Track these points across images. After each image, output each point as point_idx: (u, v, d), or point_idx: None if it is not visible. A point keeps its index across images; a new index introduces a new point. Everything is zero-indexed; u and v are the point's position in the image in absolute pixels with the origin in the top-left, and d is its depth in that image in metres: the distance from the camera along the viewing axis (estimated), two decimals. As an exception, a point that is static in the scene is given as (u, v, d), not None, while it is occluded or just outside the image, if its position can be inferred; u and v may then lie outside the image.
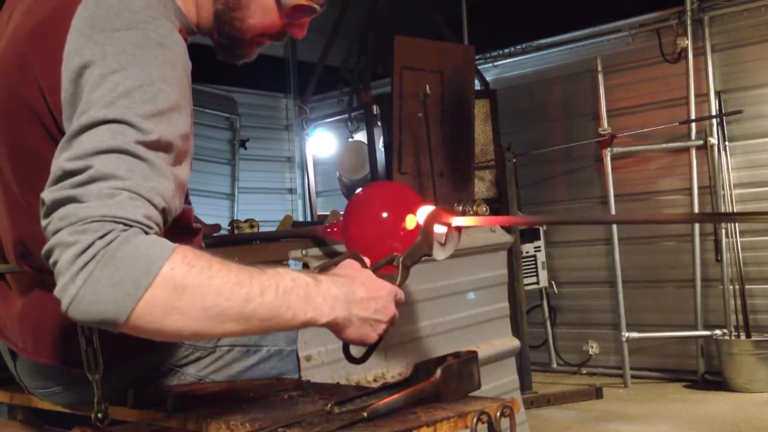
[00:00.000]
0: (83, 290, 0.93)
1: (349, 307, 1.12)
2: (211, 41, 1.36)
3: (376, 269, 1.25)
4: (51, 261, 0.96)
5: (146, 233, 0.97)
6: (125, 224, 0.95)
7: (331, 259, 1.25)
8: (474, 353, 1.29)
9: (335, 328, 1.12)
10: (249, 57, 1.39)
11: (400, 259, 1.29)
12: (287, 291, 1.04)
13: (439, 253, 1.36)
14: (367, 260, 1.25)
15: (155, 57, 1.07)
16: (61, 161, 0.99)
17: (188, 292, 0.95)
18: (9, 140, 1.23)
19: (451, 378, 1.22)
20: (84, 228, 0.94)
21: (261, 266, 1.06)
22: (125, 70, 1.04)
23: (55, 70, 1.10)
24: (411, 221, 1.40)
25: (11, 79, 1.20)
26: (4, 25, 1.30)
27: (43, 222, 0.98)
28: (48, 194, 0.98)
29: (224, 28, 1.31)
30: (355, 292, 1.14)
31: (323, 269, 1.19)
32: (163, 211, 1.01)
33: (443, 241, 1.36)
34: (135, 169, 0.98)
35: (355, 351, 1.26)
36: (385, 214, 1.43)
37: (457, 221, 1.37)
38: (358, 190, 1.60)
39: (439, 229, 1.35)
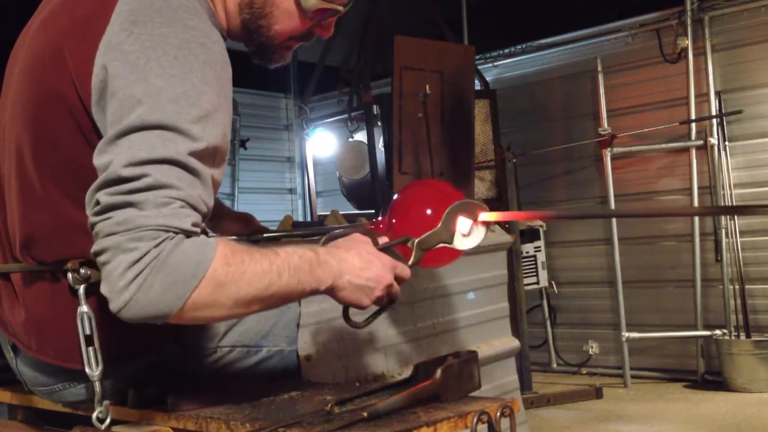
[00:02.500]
0: (138, 295, 1.03)
1: (341, 275, 1.23)
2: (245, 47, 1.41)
3: (388, 247, 1.34)
4: (101, 259, 1.05)
5: (189, 237, 1.07)
6: (175, 232, 1.05)
7: (342, 230, 1.38)
8: (474, 353, 1.30)
9: (331, 293, 1.25)
10: (283, 60, 1.44)
11: (415, 241, 1.36)
12: (297, 269, 1.17)
13: (460, 243, 1.40)
14: (383, 238, 1.37)
15: (196, 58, 1.12)
16: (116, 164, 1.05)
17: (226, 287, 1.08)
18: (34, 128, 1.25)
19: (451, 378, 1.22)
20: (141, 235, 1.03)
21: (273, 248, 1.18)
22: (168, 73, 1.09)
23: (90, 62, 1.14)
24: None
25: (45, 69, 1.23)
26: (37, 14, 1.34)
27: (94, 219, 1.06)
28: (105, 197, 1.05)
29: (253, 36, 1.36)
30: (348, 261, 1.25)
31: (329, 240, 1.30)
32: (204, 215, 1.12)
33: (467, 233, 1.40)
34: (185, 178, 1.07)
35: (357, 318, 1.35)
36: (429, 212, 1.47)
37: (483, 216, 1.40)
38: (405, 186, 1.64)
39: (465, 220, 1.39)
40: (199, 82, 1.11)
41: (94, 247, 1.06)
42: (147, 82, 1.08)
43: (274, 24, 1.34)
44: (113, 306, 1.04)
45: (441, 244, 1.38)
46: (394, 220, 1.54)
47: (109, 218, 1.04)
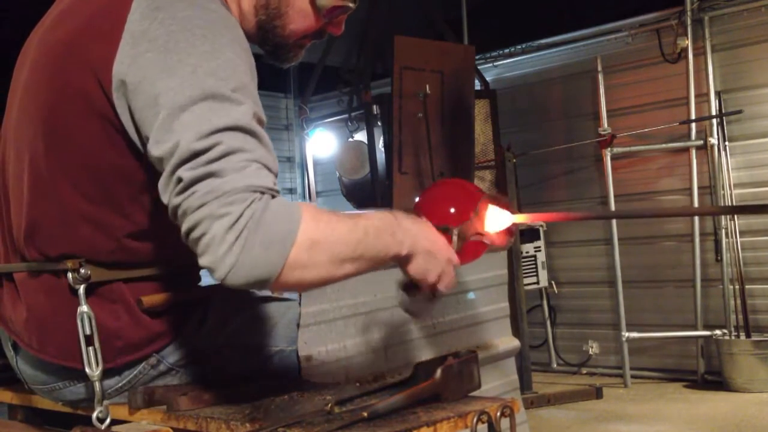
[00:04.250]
0: (242, 257, 1.03)
1: (417, 241, 1.23)
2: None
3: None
4: (195, 234, 1.04)
5: (274, 197, 1.08)
6: (262, 192, 1.06)
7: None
8: (474, 353, 1.30)
9: (407, 259, 1.23)
10: (296, 59, 1.46)
11: (455, 230, 1.36)
12: (380, 229, 1.18)
13: (492, 238, 1.42)
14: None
15: (222, 35, 1.14)
16: (187, 143, 1.06)
17: (320, 244, 1.09)
18: (48, 123, 1.26)
19: (451, 378, 1.22)
20: (231, 200, 1.03)
21: (351, 212, 1.19)
22: (199, 50, 1.11)
23: (112, 54, 1.15)
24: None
25: (61, 65, 1.24)
26: (49, 14, 1.36)
27: (179, 199, 1.06)
28: (186, 173, 1.05)
29: (268, 36, 1.38)
30: (422, 230, 1.26)
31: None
32: (276, 175, 1.12)
33: (497, 227, 1.42)
34: (250, 141, 1.09)
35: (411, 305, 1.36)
36: (453, 210, 1.49)
37: (514, 216, 1.43)
38: (431, 185, 1.66)
39: (497, 213, 1.42)
40: (232, 56, 1.13)
41: (186, 225, 1.05)
42: (181, 62, 1.10)
43: (289, 23, 1.36)
44: (219, 275, 1.04)
45: (475, 237, 1.39)
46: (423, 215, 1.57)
47: (194, 192, 1.04)
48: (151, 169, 1.18)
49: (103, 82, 1.18)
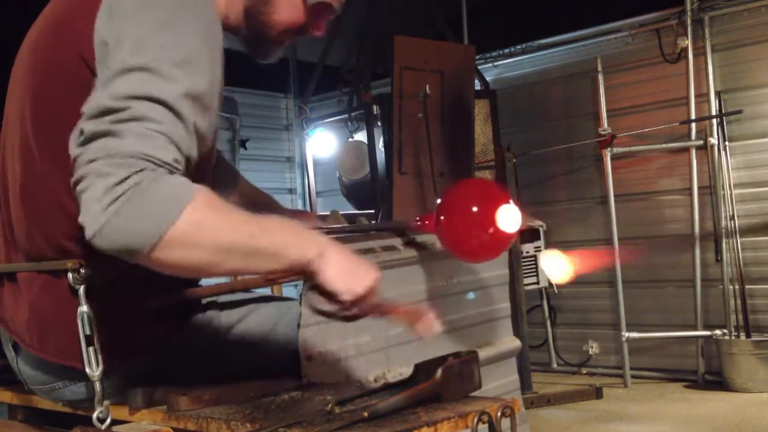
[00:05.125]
0: (114, 220, 1.02)
1: (329, 247, 1.18)
2: (237, 42, 1.43)
3: None
4: (80, 188, 1.04)
5: (172, 174, 1.06)
6: (156, 164, 1.04)
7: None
8: (474, 353, 1.29)
9: (318, 266, 1.17)
10: (273, 57, 1.46)
11: None
12: (280, 229, 1.15)
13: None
14: None
15: (187, 12, 1.15)
16: (101, 98, 1.08)
17: (205, 229, 1.06)
18: (36, 99, 1.28)
19: (452, 378, 1.22)
20: (120, 162, 1.03)
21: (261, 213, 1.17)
22: (157, 20, 1.12)
23: (92, 26, 1.17)
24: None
25: (48, 43, 1.27)
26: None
27: (77, 150, 1.06)
28: (89, 125, 1.06)
29: (252, 23, 1.37)
30: (340, 247, 1.21)
31: None
32: (186, 159, 1.11)
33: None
34: (167, 116, 1.08)
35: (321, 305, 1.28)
36: (475, 209, 1.57)
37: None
38: (454, 185, 1.73)
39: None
40: (190, 31, 1.14)
41: (75, 176, 1.05)
42: (137, 29, 1.12)
43: (275, 12, 1.36)
44: (88, 232, 1.03)
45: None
46: (442, 218, 1.62)
47: (89, 147, 1.05)
48: None
49: (86, 57, 1.19)
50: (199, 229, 1.05)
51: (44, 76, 1.27)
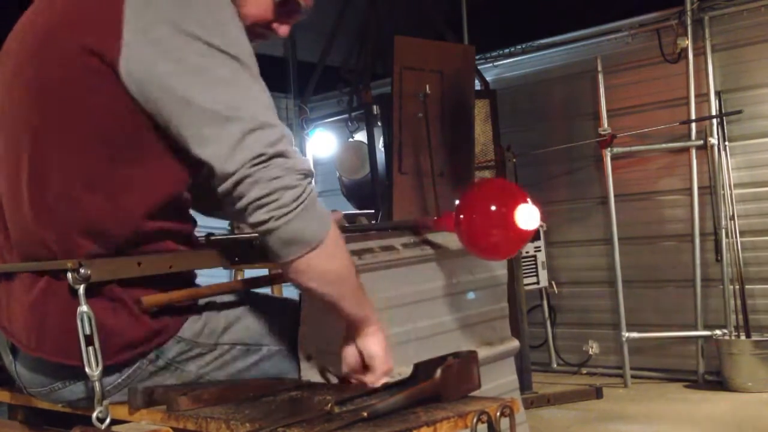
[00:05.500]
0: (300, 216, 1.22)
1: (380, 325, 1.42)
2: None
3: None
4: (270, 199, 1.20)
5: None
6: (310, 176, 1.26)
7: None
8: (474, 353, 1.30)
9: (368, 326, 1.39)
10: None
11: None
12: (361, 287, 1.38)
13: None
14: None
15: (229, 14, 1.28)
16: (255, 114, 1.23)
17: (340, 245, 1.31)
18: (41, 104, 1.29)
19: (451, 378, 1.22)
20: (300, 176, 1.23)
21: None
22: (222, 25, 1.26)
23: (113, 26, 1.22)
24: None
25: (54, 43, 1.27)
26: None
27: (252, 170, 1.20)
28: (267, 149, 1.21)
29: None
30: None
31: None
32: None
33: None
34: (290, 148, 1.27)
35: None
36: (494, 208, 1.67)
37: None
38: (473, 185, 1.79)
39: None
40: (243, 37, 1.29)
41: (257, 192, 1.20)
42: (190, 26, 1.21)
43: (243, 5, 1.38)
44: (274, 224, 1.21)
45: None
46: (462, 216, 1.68)
47: (269, 166, 1.21)
48: (156, 172, 1.28)
49: (107, 55, 1.22)
50: (338, 244, 1.30)
51: (55, 84, 1.27)
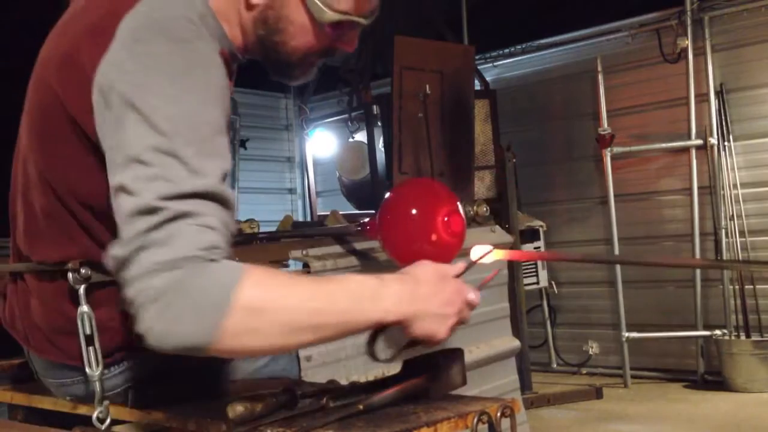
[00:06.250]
0: (169, 326, 0.98)
1: (413, 303, 1.13)
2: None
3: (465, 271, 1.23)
4: (130, 306, 1.00)
5: (214, 260, 1.00)
6: (193, 258, 0.99)
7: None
8: (460, 350, 1.31)
9: (402, 324, 1.14)
10: (305, 77, 1.40)
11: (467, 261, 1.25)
12: (357, 297, 1.09)
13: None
14: (460, 264, 1.23)
15: (196, 79, 1.09)
16: (133, 206, 1.02)
17: (264, 313, 1.01)
18: (36, 132, 1.27)
19: (440, 374, 1.25)
20: (155, 273, 0.98)
21: (329, 275, 1.13)
22: (166, 93, 1.06)
23: (92, 70, 1.13)
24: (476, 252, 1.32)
25: (52, 75, 1.23)
26: (61, 18, 1.35)
27: (123, 275, 1.01)
28: (119, 250, 1.02)
29: (269, 53, 1.32)
30: (418, 289, 1.15)
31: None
32: (224, 233, 1.04)
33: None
34: (206, 204, 1.03)
35: (383, 353, 1.23)
36: (414, 211, 1.44)
37: (494, 253, 1.30)
38: (395, 187, 1.60)
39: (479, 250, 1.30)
40: (198, 106, 1.08)
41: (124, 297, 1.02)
42: (145, 103, 1.05)
43: (289, 40, 1.30)
44: (149, 342, 1.00)
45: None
46: (386, 218, 1.52)
47: (126, 267, 1.01)
48: None
49: (86, 101, 1.15)
50: (255, 314, 1.00)
51: (44, 111, 1.25)
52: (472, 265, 1.25)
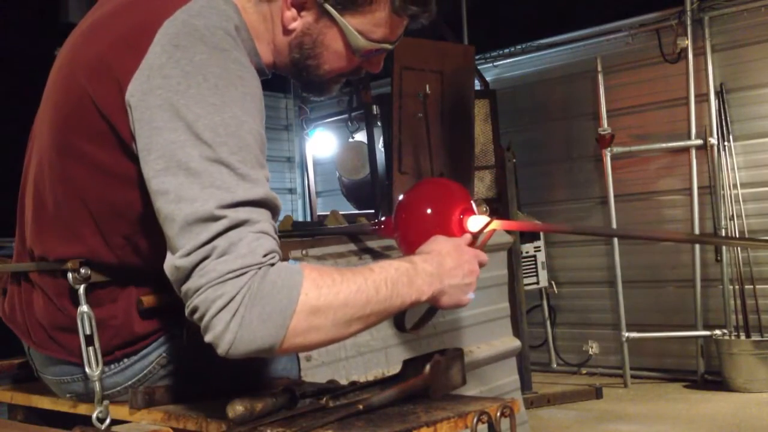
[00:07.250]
0: (240, 333, 1.04)
1: (442, 280, 1.26)
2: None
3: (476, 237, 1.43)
4: (197, 315, 1.06)
5: (274, 265, 1.07)
6: (258, 266, 1.05)
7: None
8: (459, 350, 1.32)
9: (433, 300, 1.27)
10: (329, 93, 1.45)
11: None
12: (394, 282, 1.18)
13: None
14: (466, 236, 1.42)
15: (236, 89, 1.12)
16: (186, 217, 1.06)
17: (322, 311, 1.09)
18: (59, 132, 1.27)
19: (439, 374, 1.25)
20: (224, 281, 1.04)
21: (368, 264, 1.21)
22: (212, 107, 1.09)
23: (129, 76, 1.14)
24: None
25: (85, 76, 1.22)
26: (87, 18, 1.35)
27: (184, 287, 1.07)
28: (181, 260, 1.06)
29: (302, 74, 1.37)
30: (444, 265, 1.27)
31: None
32: (276, 238, 1.11)
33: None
34: (257, 212, 1.08)
35: (409, 323, 1.43)
36: (430, 210, 1.50)
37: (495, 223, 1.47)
38: (411, 186, 1.64)
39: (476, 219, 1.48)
40: (241, 114, 1.11)
41: (187, 309, 1.07)
42: (188, 109, 1.08)
43: (323, 64, 1.34)
44: (220, 350, 1.06)
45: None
46: (403, 217, 1.55)
47: (192, 277, 1.05)
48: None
49: (116, 101, 1.17)
50: (317, 314, 1.08)
51: (74, 110, 1.25)
52: (477, 234, 1.43)
